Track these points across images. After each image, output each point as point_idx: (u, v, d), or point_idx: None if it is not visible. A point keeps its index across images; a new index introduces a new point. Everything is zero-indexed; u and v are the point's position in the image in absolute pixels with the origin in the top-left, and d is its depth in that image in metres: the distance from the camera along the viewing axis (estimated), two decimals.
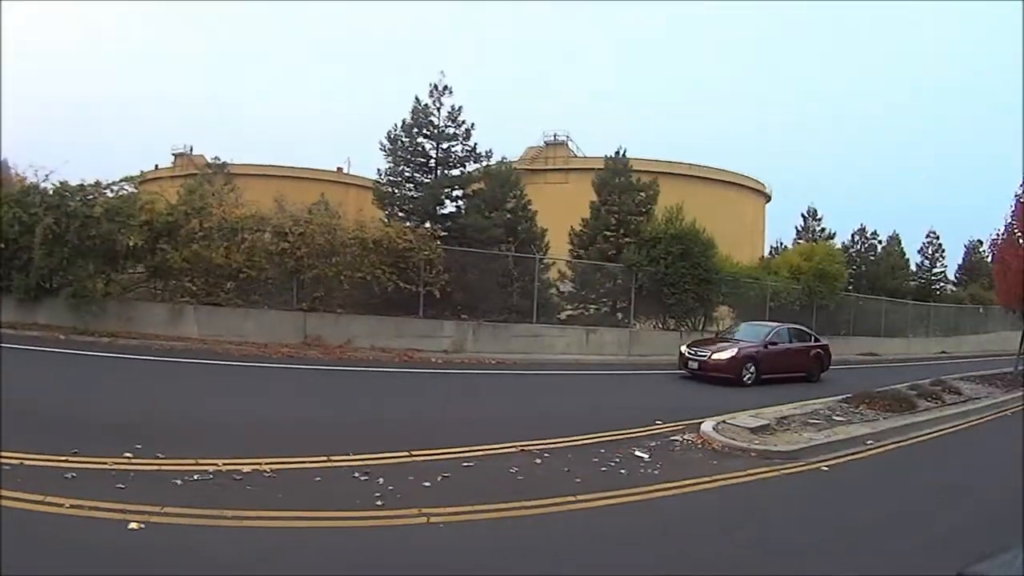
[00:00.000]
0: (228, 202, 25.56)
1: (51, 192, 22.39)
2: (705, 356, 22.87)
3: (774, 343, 24.16)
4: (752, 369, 22.68)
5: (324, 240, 23.64)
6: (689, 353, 23.47)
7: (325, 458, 9.64)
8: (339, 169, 67.53)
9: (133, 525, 6.73)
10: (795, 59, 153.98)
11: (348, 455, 9.78)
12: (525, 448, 11.13)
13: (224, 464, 8.91)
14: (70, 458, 8.56)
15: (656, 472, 10.47)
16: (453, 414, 15.21)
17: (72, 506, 7.06)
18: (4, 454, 8.39)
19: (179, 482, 8.22)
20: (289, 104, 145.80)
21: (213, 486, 8.21)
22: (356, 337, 24.01)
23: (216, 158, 54.78)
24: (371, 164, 50.15)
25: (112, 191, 23.35)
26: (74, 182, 22.89)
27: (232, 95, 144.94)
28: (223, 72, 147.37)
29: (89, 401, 13.24)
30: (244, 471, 8.73)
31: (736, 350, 22.90)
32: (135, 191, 24.79)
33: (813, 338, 26.66)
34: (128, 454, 8.97)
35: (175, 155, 67.48)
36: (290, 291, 24.11)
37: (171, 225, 22.73)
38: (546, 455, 10.88)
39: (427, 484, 8.80)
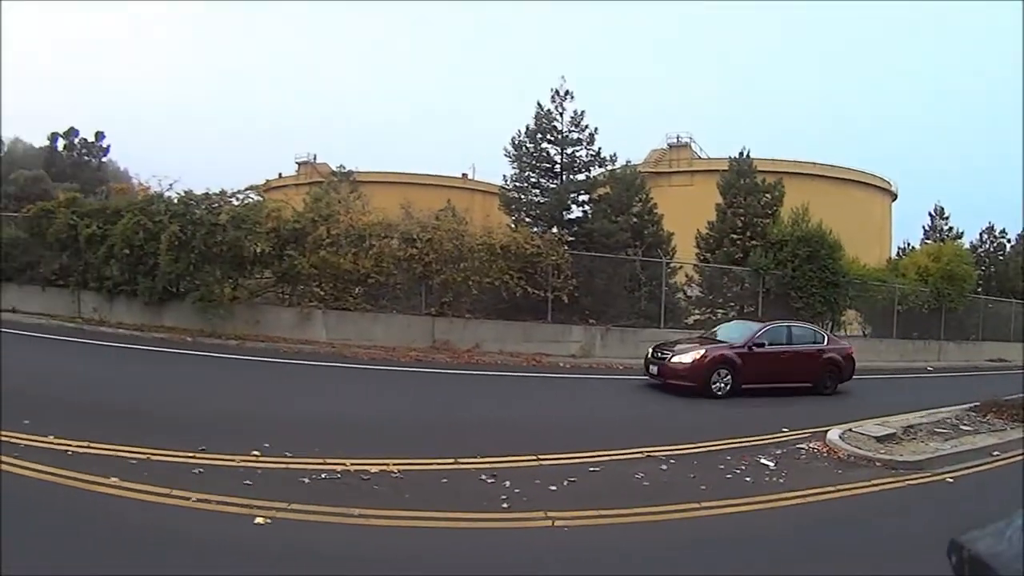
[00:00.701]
0: (355, 209, 25.07)
1: (176, 201, 22.47)
2: (666, 359, 18.10)
3: (760, 344, 18.54)
4: (727, 376, 17.61)
5: (452, 246, 22.82)
6: (652, 355, 18.75)
7: (452, 460, 9.45)
8: (464, 175, 66.45)
9: (259, 520, 6.71)
10: (918, 55, 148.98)
11: (475, 458, 9.59)
12: (652, 454, 10.72)
13: (352, 464, 8.77)
14: (198, 455, 8.58)
15: (781, 480, 9.97)
16: (580, 418, 14.43)
17: (198, 500, 7.13)
18: (130, 449, 8.53)
19: (306, 480, 8.15)
20: (411, 111, 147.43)
21: (340, 485, 8.13)
22: (484, 341, 22.96)
23: (341, 166, 54.76)
24: (495, 170, 48.50)
25: (237, 199, 23.38)
26: (198, 191, 23.07)
27: (355, 104, 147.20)
28: (347, 81, 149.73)
29: (217, 400, 13.28)
30: (372, 471, 8.61)
31: (702, 352, 17.90)
32: (260, 199, 24.96)
33: (826, 339, 20.68)
34: (256, 452, 8.93)
35: (299, 163, 68.09)
36: (418, 296, 23.30)
37: (298, 232, 22.25)
38: (672, 461, 10.45)
39: (553, 488, 8.60)
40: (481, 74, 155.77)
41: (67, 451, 8.41)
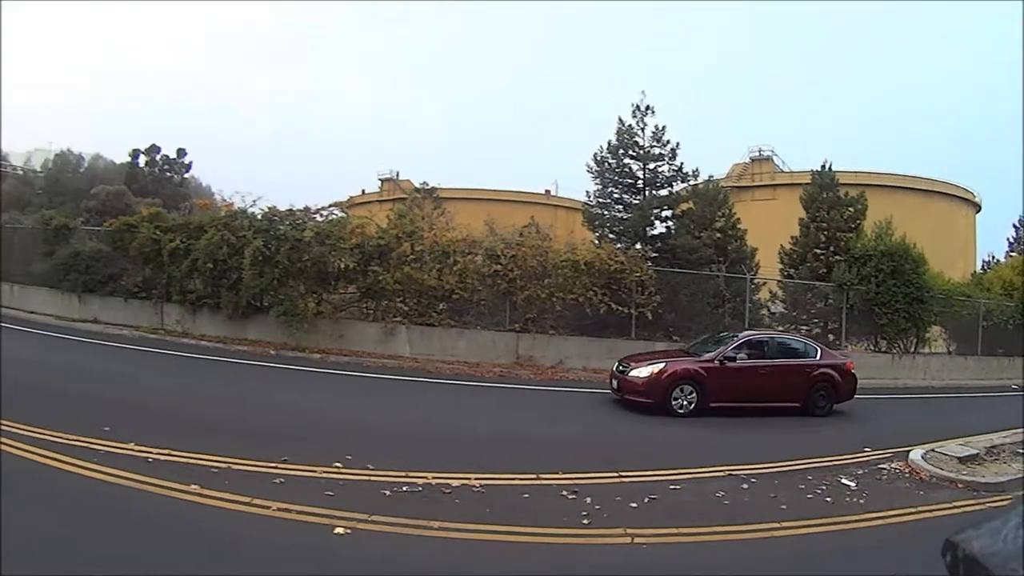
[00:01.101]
0: (439, 226, 25.28)
1: (259, 216, 22.48)
2: (625, 372, 16.41)
3: (731, 357, 16.47)
4: (691, 394, 15.76)
5: (536, 262, 22.38)
6: (616, 368, 16.99)
7: (535, 476, 9.43)
8: (547, 192, 65.93)
9: (339, 530, 6.83)
10: (996, 59, 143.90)
11: (557, 473, 9.56)
12: (733, 472, 10.58)
13: (434, 478, 8.84)
14: (279, 465, 8.73)
15: (862, 501, 9.76)
16: (662, 436, 14.06)
17: (279, 509, 7.26)
18: (212, 458, 8.75)
19: (388, 493, 8.25)
20: (492, 128, 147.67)
21: (422, 498, 8.19)
22: (568, 358, 22.34)
23: (424, 183, 54.61)
24: (578, 186, 47.87)
25: (321, 215, 23.35)
26: (282, 207, 23.20)
27: (435, 121, 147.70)
28: (425, 99, 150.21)
29: (299, 412, 13.12)
30: (453, 485, 8.67)
31: (661, 365, 16.05)
32: (344, 215, 24.95)
33: (819, 353, 18.03)
34: (338, 464, 9.03)
35: (381, 180, 68.15)
36: (502, 312, 22.83)
37: (382, 248, 22.09)
38: (753, 480, 10.31)
39: (634, 505, 8.53)
40: (561, 90, 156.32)
41: (148, 458, 8.62)
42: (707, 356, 16.58)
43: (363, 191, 67.10)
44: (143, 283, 23.74)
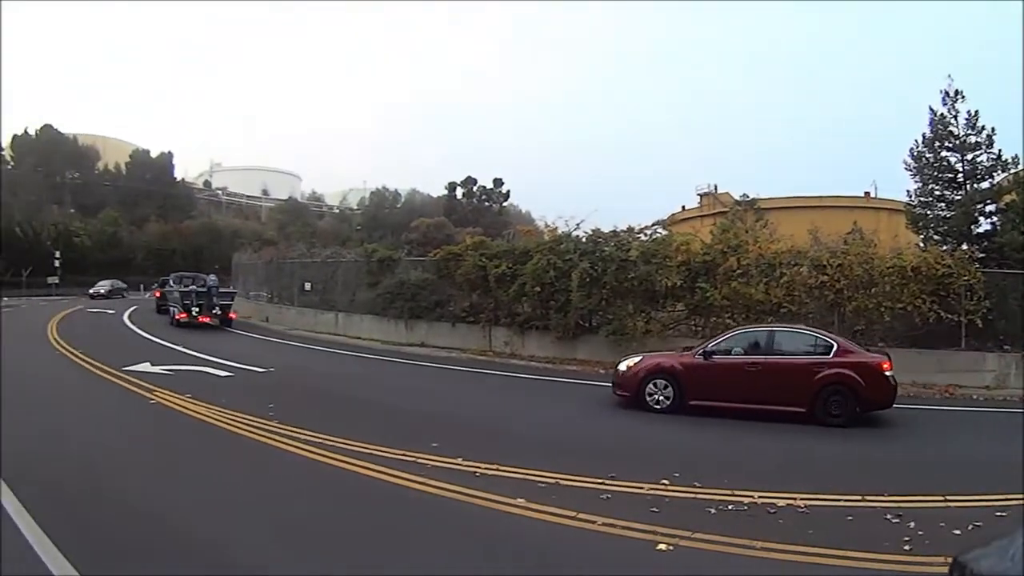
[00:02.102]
0: (763, 238, 24.49)
1: (584, 239, 23.08)
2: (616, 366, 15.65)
3: (716, 352, 14.47)
4: (667, 389, 14.32)
5: (862, 270, 20.60)
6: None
7: (860, 497, 8.87)
8: (866, 194, 62.68)
9: (661, 546, 6.80)
10: None
11: (883, 495, 8.92)
12: None
13: (759, 497, 8.58)
14: (607, 482, 8.79)
15: None
16: (992, 456, 12.34)
17: (603, 523, 7.35)
18: (540, 474, 8.98)
19: (713, 511, 8.11)
20: (805, 131, 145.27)
21: (746, 517, 7.99)
22: (896, 372, 20.66)
23: (744, 195, 53.60)
24: (897, 185, 46.20)
25: (645, 235, 23.59)
26: (605, 229, 23.70)
27: (750, 130, 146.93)
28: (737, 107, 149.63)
29: (627, 430, 13.30)
30: (778, 505, 8.39)
31: (638, 359, 15.09)
32: (667, 233, 24.93)
33: (835, 348, 14.27)
34: (665, 481, 8.95)
35: (700, 195, 67.45)
36: (831, 324, 21.04)
37: (708, 264, 21.59)
38: None
39: (957, 532, 7.77)
40: (869, 82, 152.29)
41: (475, 472, 9.04)
42: (691, 351, 15.04)
43: (683, 207, 67.13)
44: (470, 308, 25.15)
